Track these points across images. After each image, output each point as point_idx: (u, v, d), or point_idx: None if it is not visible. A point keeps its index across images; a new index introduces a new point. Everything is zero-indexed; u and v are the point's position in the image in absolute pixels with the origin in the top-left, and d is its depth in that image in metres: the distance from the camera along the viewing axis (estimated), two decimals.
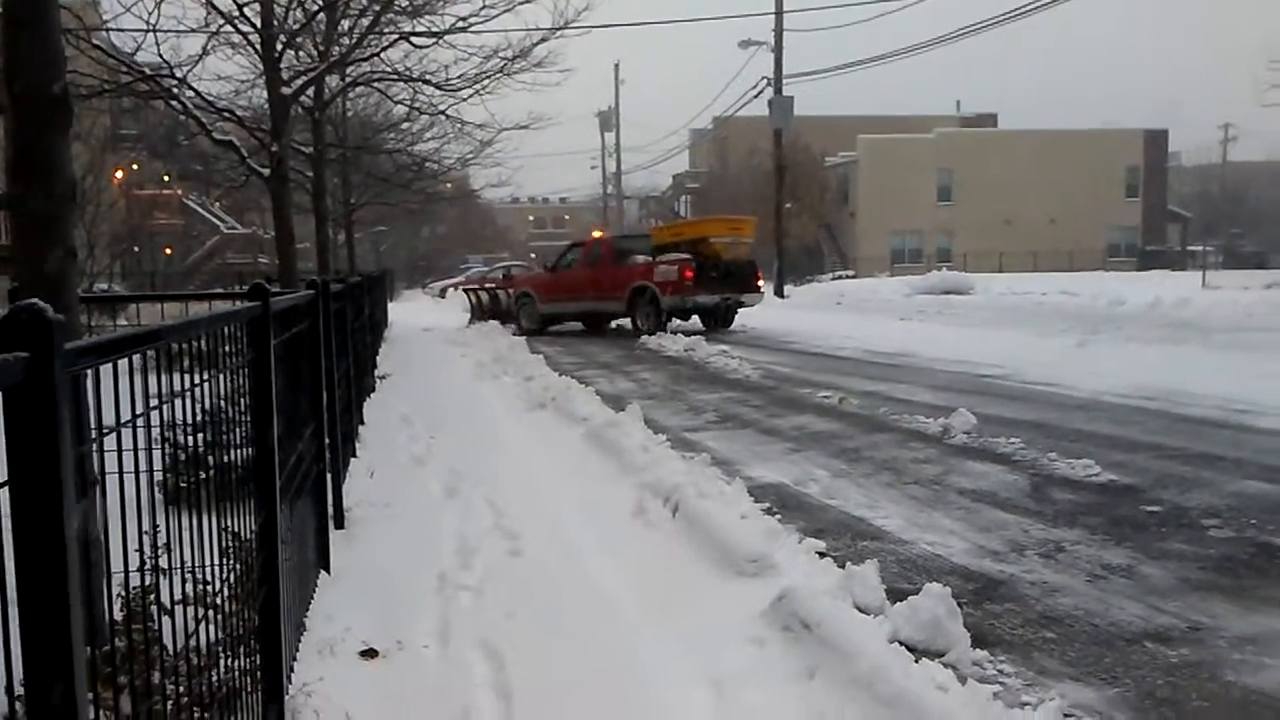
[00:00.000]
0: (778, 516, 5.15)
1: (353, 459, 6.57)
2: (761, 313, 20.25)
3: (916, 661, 3.13)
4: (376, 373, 11.22)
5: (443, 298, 37.88)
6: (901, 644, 3.32)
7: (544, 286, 20.91)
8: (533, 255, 77.77)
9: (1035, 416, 8.01)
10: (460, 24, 12.17)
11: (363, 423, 7.94)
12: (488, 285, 25.84)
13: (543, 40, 12.88)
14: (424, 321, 23.80)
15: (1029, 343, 13.51)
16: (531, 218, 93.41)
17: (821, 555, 4.48)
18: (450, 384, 11.33)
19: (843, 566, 4.26)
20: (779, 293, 31.21)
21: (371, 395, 9.68)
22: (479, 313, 23.28)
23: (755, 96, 33.62)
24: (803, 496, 5.76)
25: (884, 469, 6.39)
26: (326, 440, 4.44)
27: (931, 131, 53.73)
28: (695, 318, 18.67)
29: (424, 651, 3.49)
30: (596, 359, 14.84)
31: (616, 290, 18.83)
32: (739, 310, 19.02)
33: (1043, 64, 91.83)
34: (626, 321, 19.21)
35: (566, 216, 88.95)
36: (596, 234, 23.36)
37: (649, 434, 7.14)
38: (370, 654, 3.44)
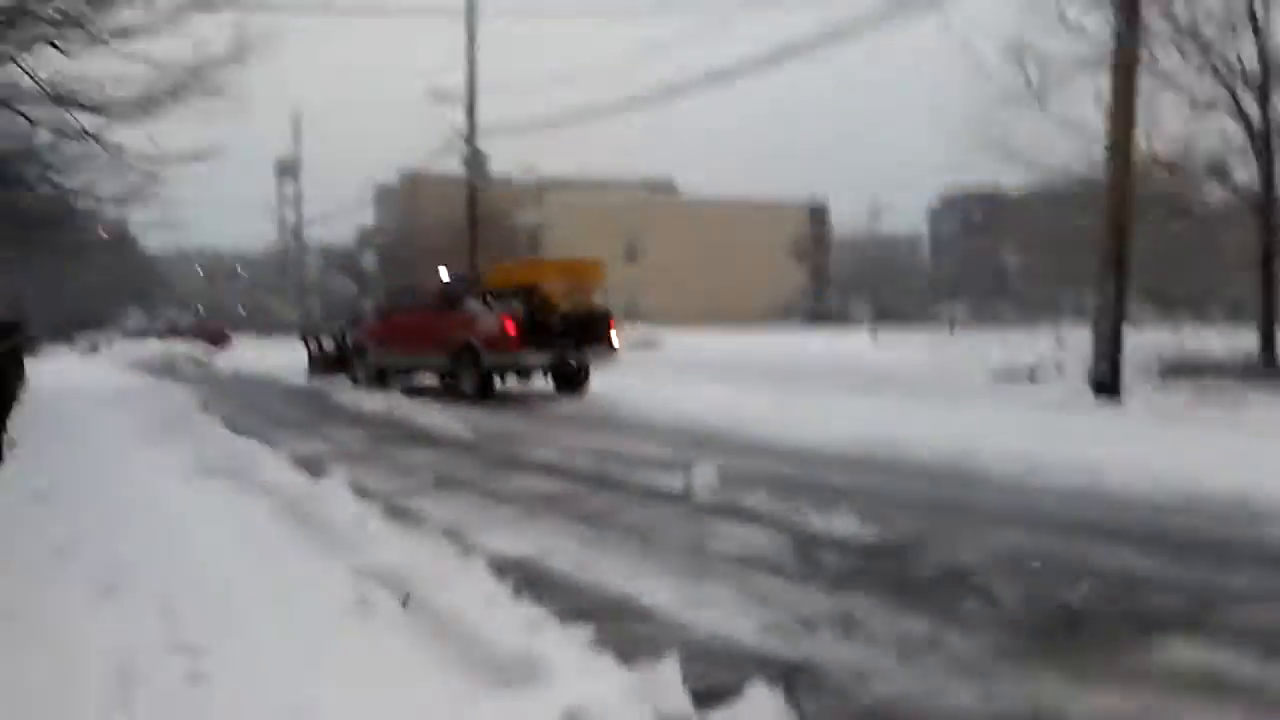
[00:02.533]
0: (528, 598, 4.29)
1: None
2: None
3: None
4: (3, 438, 9.22)
5: (95, 352, 34.01)
6: None
7: (378, 333, 17.82)
8: (200, 308, 72.00)
9: (774, 470, 7.66)
10: (119, 34, 10.49)
11: None
12: (325, 333, 21.84)
13: (222, 65, 11.41)
14: (74, 380, 20.78)
15: (737, 398, 13.48)
16: (200, 270, 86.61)
17: (599, 651, 3.68)
18: (104, 451, 9.51)
19: (628, 664, 3.48)
20: None
21: None
22: (320, 363, 20.23)
23: (448, 149, 32.79)
24: (553, 572, 4.93)
25: (633, 534, 5.70)
26: None
27: (618, 195, 55.44)
28: (547, 376, 15.72)
29: None
30: (284, 417, 13.28)
31: (441, 343, 15.56)
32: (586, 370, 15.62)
33: (714, 130, 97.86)
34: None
35: (239, 269, 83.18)
36: (442, 272, 20.42)
37: (359, 503, 6.06)
38: None
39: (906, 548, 5.21)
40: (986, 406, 11.31)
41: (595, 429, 10.98)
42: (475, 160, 31.91)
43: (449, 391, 15.40)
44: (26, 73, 10.63)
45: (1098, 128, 12.56)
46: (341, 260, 65.56)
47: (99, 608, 4.30)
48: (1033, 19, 13.31)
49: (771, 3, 20.71)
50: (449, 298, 16.45)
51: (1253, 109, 13.50)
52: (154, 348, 38.03)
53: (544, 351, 14.63)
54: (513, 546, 5.42)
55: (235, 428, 10.82)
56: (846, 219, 68.98)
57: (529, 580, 4.67)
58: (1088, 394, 11.60)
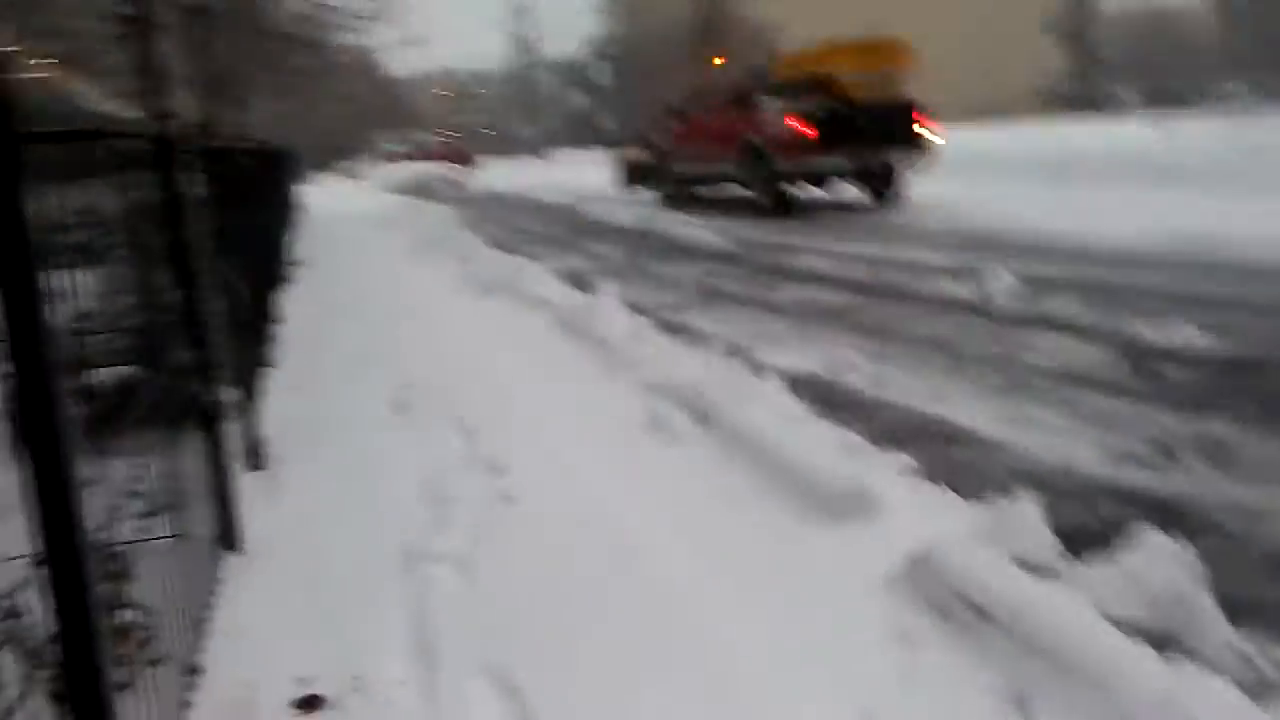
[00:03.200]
0: (830, 419, 3.94)
1: (268, 370, 5.18)
2: None
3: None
4: (290, 261, 9.68)
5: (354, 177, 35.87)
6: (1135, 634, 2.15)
7: (677, 139, 15.78)
8: (445, 131, 74.39)
9: (1081, 274, 6.86)
10: None
11: (277, 321, 6.51)
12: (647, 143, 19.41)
13: None
14: (341, 205, 21.88)
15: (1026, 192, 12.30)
16: (443, 92, 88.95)
17: (925, 481, 3.29)
18: (379, 270, 9.84)
19: (966, 498, 3.09)
20: None
21: (286, 289, 8.18)
22: (633, 173, 19.65)
23: None
24: (850, 391, 4.54)
25: (932, 349, 5.20)
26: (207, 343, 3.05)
27: None
28: (851, 183, 13.57)
29: (398, 693, 2.22)
30: (543, 234, 13.38)
31: (731, 148, 13.49)
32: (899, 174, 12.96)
33: None
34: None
35: (483, 90, 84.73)
36: (717, 62, 17.51)
37: (634, 318, 5.85)
38: (311, 704, 2.16)
39: (1265, 361, 4.46)
40: None
41: (863, 235, 10.32)
42: None
43: (751, 205, 13.48)
44: None
45: None
46: (573, 74, 65.40)
47: (397, 421, 4.31)
48: None
49: None
50: (740, 95, 14.26)
51: None
52: (407, 171, 39.57)
53: (841, 153, 12.26)
54: (799, 363, 5.05)
55: (499, 244, 10.93)
56: None
57: (825, 399, 4.32)
58: None
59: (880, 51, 13.85)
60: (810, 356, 5.17)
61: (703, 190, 15.59)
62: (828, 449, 3.46)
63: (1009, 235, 9.10)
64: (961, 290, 6.46)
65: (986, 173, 14.47)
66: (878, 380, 4.66)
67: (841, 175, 13.11)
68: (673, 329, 6.04)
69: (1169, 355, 4.65)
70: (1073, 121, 32.29)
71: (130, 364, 2.62)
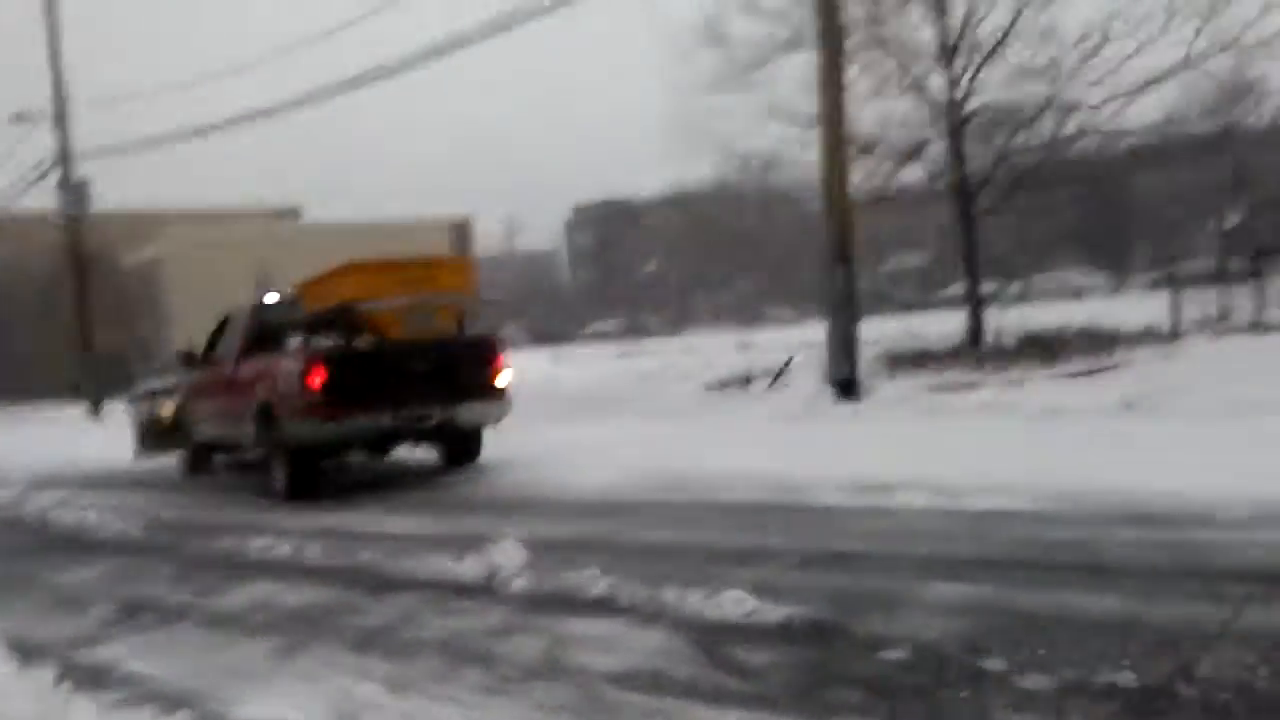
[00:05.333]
0: None
1: None
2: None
3: None
4: None
5: None
6: None
7: (193, 392, 11.87)
8: None
9: (570, 531, 6.32)
10: None
11: None
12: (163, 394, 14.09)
13: None
14: None
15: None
16: None
17: None
18: None
19: None
20: (96, 410, 26.18)
21: None
22: (152, 438, 13.90)
23: (40, 178, 28.01)
24: None
25: (457, 659, 4.14)
26: None
27: (248, 223, 50.99)
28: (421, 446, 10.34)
29: None
30: None
31: (242, 408, 9.84)
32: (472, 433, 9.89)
33: (343, 152, 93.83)
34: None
35: None
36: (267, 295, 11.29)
37: (24, 672, 4.00)
38: None
39: (836, 627, 4.08)
40: (742, 424, 10.62)
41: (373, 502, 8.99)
42: (73, 188, 27.56)
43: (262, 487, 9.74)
44: None
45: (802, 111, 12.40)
46: None
47: None
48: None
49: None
50: (261, 333, 10.48)
51: (942, 90, 13.85)
52: None
53: (381, 412, 8.82)
54: (292, 715, 3.69)
55: None
56: (491, 236, 68.49)
57: None
58: (826, 396, 11.25)
59: (432, 271, 9.88)
60: (308, 698, 3.82)
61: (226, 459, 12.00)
62: None
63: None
64: (466, 569, 5.52)
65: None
66: None
67: (385, 442, 9.64)
68: (95, 680, 4.28)
69: (736, 632, 4.07)
70: None
71: None
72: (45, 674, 4.14)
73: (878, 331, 13.16)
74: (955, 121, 13.84)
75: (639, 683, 3.62)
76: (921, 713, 3.11)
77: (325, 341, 9.63)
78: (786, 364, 14.42)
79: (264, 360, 9.76)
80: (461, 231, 62.88)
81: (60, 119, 26.83)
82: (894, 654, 3.61)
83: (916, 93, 14.11)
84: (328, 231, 54.02)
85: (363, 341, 9.34)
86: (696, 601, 4.43)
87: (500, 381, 9.45)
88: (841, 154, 11.56)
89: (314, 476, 9.22)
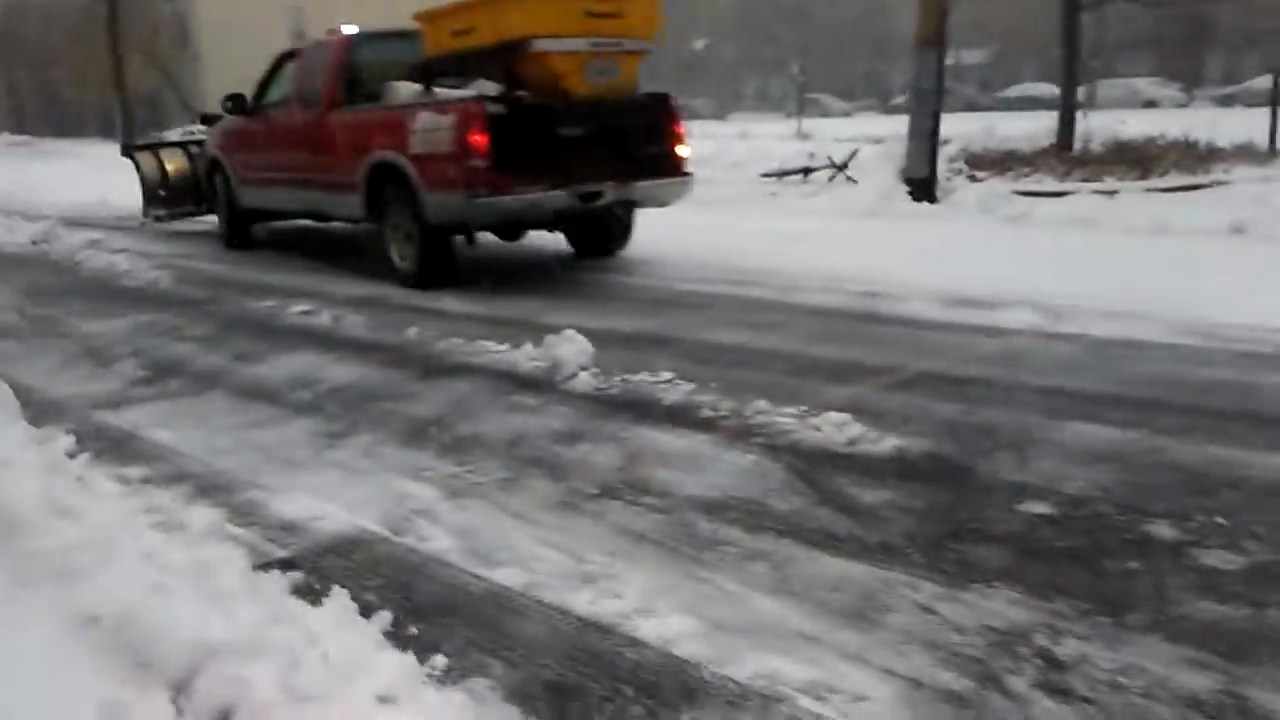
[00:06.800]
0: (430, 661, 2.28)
1: None
2: None
3: None
4: None
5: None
6: None
7: (239, 147, 9.76)
8: None
9: (649, 326, 5.78)
10: None
11: None
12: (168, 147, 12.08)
13: None
14: None
15: None
16: None
17: None
18: None
19: None
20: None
21: None
22: (162, 196, 11.55)
23: None
24: (447, 571, 2.85)
25: (519, 464, 3.67)
26: None
27: None
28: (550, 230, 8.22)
29: None
30: None
31: (345, 172, 7.80)
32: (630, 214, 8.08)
33: None
34: None
35: None
36: (345, 30, 8.59)
37: (47, 450, 3.57)
38: None
39: (959, 463, 3.55)
40: (807, 217, 9.89)
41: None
42: None
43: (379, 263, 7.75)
44: None
45: None
46: None
47: None
48: None
49: None
50: (363, 75, 8.24)
51: None
52: None
53: (551, 185, 6.84)
54: (334, 512, 3.26)
55: None
56: None
57: (409, 604, 2.62)
58: (900, 193, 10.44)
59: (623, 3, 7.13)
60: (355, 496, 3.39)
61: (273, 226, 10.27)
62: None
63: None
64: (514, 356, 5.02)
65: None
66: (470, 536, 3.02)
67: (548, 224, 7.73)
68: (115, 451, 3.88)
69: (839, 461, 3.55)
70: None
71: None
72: (59, 442, 3.71)
73: (950, 129, 12.11)
74: None
75: (734, 515, 3.14)
76: (1085, 585, 2.60)
77: (486, 89, 7.35)
78: (851, 155, 13.49)
79: (377, 111, 7.79)
80: None
81: None
82: (1037, 507, 3.09)
83: None
84: None
85: (526, 95, 7.06)
86: (789, 420, 3.91)
87: (681, 152, 7.60)
88: None
89: (450, 260, 7.38)
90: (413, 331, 5.80)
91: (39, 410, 4.31)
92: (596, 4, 6.94)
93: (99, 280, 8.22)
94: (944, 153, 11.22)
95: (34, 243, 10.28)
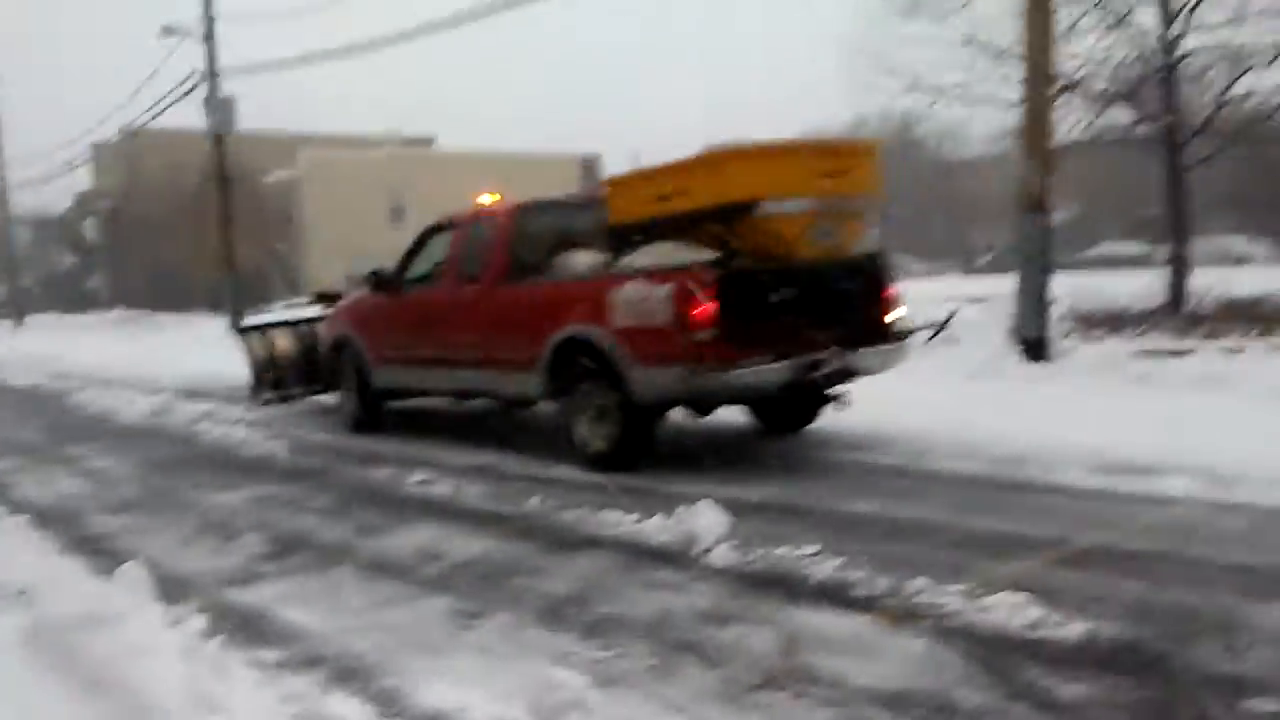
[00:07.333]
0: None
1: None
2: None
3: None
4: None
5: None
6: None
7: (377, 324, 8.99)
8: None
9: (776, 494, 5.56)
10: None
11: None
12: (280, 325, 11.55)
13: None
14: None
15: None
16: None
17: None
18: None
19: None
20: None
21: None
22: (273, 378, 10.83)
23: (186, 94, 28.15)
24: None
25: (668, 648, 3.44)
26: None
27: (381, 149, 51.31)
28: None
29: None
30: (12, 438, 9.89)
31: (520, 344, 7.22)
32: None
33: (482, 83, 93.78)
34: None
35: None
36: (485, 201, 8.53)
37: (182, 632, 3.45)
38: None
39: (1163, 649, 3.23)
40: (915, 379, 9.65)
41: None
42: (219, 104, 27.73)
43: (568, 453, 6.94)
44: None
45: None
46: (58, 230, 57.65)
47: None
48: None
49: None
50: (537, 243, 7.71)
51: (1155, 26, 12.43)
52: None
53: (775, 358, 6.15)
54: (479, 703, 3.05)
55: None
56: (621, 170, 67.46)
57: None
58: (1010, 354, 10.17)
59: (849, 160, 6.72)
60: (499, 683, 3.18)
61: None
62: None
63: None
64: (655, 529, 4.83)
65: None
66: None
67: (769, 397, 6.78)
68: (248, 631, 3.75)
69: (1056, 655, 3.23)
70: None
71: None
72: (192, 622, 3.59)
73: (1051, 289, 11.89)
74: (1168, 62, 12.37)
75: (920, 712, 2.85)
76: None
77: (704, 257, 6.81)
78: (950, 316, 13.28)
79: (564, 283, 7.25)
80: (590, 168, 62.26)
81: (209, 34, 26.88)
82: (1265, 704, 2.75)
83: (1122, 28, 12.66)
84: (458, 161, 54.07)
85: (745, 260, 6.53)
86: (957, 601, 3.62)
87: (897, 315, 6.96)
88: (1045, 91, 10.33)
89: (651, 438, 6.74)
90: (534, 501, 5.67)
91: (168, 587, 4.23)
92: (827, 161, 6.47)
93: (216, 452, 8.30)
94: (1052, 312, 10.97)
95: (154, 414, 10.52)
